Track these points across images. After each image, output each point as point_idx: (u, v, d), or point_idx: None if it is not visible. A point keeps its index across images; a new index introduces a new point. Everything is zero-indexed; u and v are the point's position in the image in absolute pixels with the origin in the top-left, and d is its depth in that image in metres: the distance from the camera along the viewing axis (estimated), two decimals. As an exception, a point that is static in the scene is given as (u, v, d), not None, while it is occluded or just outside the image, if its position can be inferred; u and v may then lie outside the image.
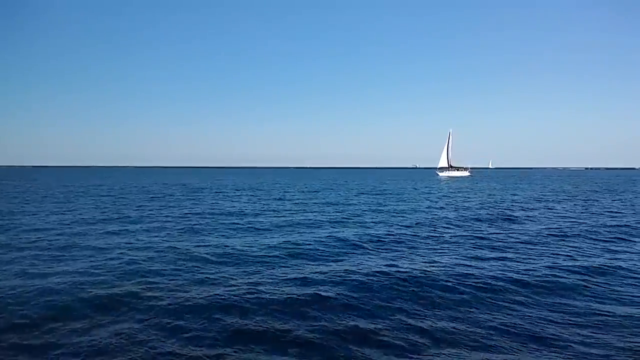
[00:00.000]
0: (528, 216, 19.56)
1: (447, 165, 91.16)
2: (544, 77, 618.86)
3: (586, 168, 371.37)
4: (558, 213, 20.99)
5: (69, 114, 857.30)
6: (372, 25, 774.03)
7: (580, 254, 11.29)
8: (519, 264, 9.96)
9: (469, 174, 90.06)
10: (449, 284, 8.19)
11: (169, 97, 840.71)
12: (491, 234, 14.47)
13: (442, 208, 23.14)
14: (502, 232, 14.92)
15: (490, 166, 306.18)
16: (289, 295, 7.31)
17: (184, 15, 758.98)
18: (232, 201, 27.11)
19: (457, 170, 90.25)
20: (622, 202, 28.00)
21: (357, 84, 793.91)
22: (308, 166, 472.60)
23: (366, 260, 10.19)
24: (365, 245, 12.19)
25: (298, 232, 14.48)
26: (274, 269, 9.31)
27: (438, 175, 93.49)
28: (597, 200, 29.17)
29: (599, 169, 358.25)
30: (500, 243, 12.68)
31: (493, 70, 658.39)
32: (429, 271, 9.04)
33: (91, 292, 7.49)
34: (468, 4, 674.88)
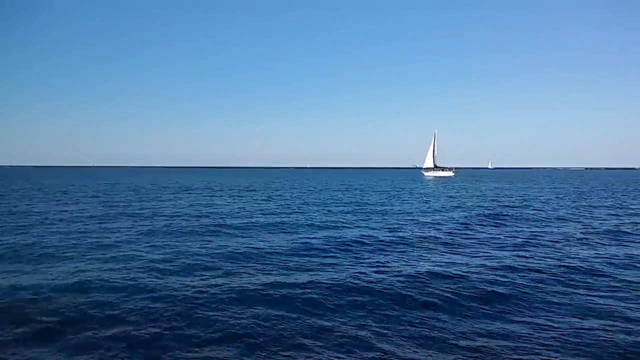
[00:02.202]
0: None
1: (432, 166, 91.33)
2: (544, 77, 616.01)
3: (586, 168, 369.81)
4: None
5: (69, 114, 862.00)
6: (373, 25, 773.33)
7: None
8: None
9: (453, 174, 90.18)
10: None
11: (169, 97, 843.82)
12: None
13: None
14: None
15: (489, 166, 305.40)
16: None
17: (184, 16, 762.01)
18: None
19: (442, 170, 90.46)
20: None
21: (357, 84, 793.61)
22: (308, 166, 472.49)
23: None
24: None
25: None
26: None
27: (424, 175, 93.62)
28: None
29: (599, 169, 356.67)
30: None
31: (493, 70, 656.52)
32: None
33: None
34: (472, 3, 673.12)
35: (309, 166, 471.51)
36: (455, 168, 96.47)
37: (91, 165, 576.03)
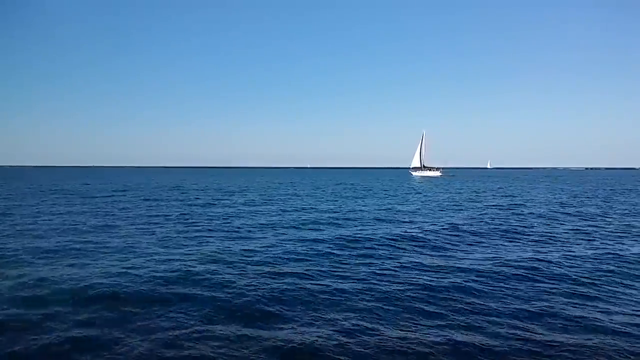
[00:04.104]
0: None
1: (419, 166, 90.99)
2: (544, 77, 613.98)
3: (586, 168, 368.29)
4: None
5: (68, 114, 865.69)
6: (373, 26, 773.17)
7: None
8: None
9: (440, 174, 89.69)
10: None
11: (168, 97, 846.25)
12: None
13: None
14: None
15: (489, 166, 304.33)
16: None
17: (185, 16, 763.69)
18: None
19: (430, 170, 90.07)
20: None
21: (358, 84, 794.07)
22: (308, 166, 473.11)
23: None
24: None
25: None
26: None
27: (412, 175, 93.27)
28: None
29: (599, 169, 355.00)
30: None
31: (494, 71, 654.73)
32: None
33: None
34: (478, 3, 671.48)
35: (309, 166, 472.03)
36: (444, 168, 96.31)
37: (91, 165, 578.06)
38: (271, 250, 11.27)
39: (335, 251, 11.28)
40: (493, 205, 24.92)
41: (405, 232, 14.65)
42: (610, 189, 43.48)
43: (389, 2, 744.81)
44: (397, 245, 12.26)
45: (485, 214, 20.66)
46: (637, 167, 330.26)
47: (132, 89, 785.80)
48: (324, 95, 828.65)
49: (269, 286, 7.91)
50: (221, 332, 5.81)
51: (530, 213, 20.93)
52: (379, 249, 11.77)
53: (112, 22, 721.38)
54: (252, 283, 8.12)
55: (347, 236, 13.51)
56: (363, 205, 24.89)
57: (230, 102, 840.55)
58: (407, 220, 18.22)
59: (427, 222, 17.34)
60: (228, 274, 8.80)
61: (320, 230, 15.07)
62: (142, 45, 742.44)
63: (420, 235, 13.97)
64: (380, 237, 13.48)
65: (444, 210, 22.16)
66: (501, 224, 16.91)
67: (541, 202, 27.21)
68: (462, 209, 22.82)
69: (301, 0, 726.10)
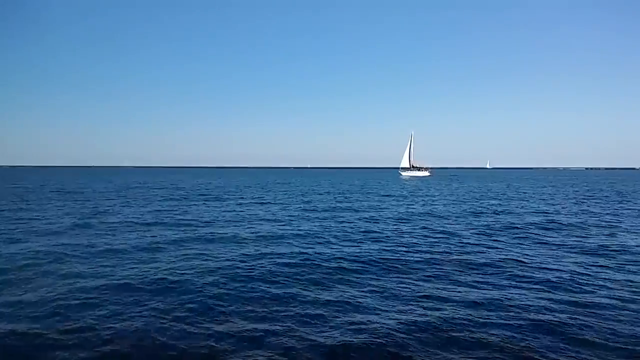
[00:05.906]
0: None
1: (408, 166, 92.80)
2: (544, 77, 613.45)
3: (586, 168, 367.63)
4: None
5: (68, 114, 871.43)
6: (373, 26, 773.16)
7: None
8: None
9: (428, 174, 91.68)
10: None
11: (169, 98, 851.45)
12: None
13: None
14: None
15: (488, 166, 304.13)
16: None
17: (184, 16, 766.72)
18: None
19: (419, 170, 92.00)
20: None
21: (358, 84, 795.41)
22: (309, 166, 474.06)
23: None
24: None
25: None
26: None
27: (401, 175, 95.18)
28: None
29: (599, 169, 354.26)
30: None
31: (493, 71, 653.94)
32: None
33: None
34: (478, 4, 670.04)
35: (309, 166, 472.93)
36: (436, 168, 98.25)
37: (91, 165, 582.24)
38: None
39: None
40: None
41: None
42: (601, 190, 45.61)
43: (388, 3, 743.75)
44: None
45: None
46: (637, 167, 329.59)
47: (133, 90, 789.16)
48: (324, 96, 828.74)
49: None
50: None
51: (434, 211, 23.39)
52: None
53: (113, 21, 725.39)
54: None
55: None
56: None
57: (230, 103, 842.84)
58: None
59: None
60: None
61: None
62: (144, 46, 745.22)
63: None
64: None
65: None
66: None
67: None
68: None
69: (301, 0, 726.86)
